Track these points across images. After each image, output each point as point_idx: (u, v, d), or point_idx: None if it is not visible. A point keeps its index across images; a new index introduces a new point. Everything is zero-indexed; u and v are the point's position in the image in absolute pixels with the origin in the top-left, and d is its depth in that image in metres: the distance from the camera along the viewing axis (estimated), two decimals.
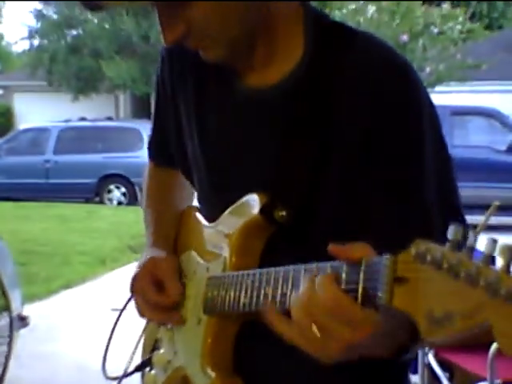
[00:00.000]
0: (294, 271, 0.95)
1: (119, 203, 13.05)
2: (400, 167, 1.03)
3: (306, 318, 0.86)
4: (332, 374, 1.11)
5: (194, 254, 1.26)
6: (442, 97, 11.19)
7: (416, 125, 1.04)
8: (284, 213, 1.07)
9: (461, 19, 16.43)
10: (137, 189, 12.64)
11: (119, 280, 6.55)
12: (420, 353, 3.16)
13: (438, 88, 13.55)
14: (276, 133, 1.11)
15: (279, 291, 0.97)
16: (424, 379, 3.19)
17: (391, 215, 1.01)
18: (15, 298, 3.55)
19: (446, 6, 16.90)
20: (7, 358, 3.29)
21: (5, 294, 3.40)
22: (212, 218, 1.22)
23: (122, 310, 1.34)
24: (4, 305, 3.41)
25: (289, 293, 0.95)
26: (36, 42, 21.85)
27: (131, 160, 12.78)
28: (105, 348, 1.36)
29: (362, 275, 0.83)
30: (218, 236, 1.18)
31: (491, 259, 0.68)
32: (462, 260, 0.70)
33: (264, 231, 1.10)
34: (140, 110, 21.37)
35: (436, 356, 3.18)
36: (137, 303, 1.26)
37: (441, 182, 1.04)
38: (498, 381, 2.90)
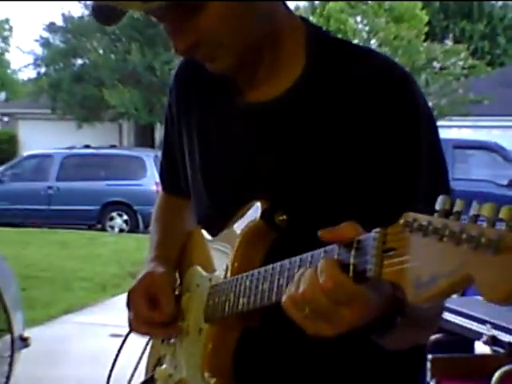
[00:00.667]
0: (290, 264, 0.97)
1: (121, 230, 13.02)
2: (398, 170, 1.07)
3: (311, 302, 0.88)
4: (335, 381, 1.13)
5: (197, 268, 1.27)
6: (444, 131, 11.24)
7: (414, 135, 1.07)
8: (285, 217, 1.09)
9: (463, 55, 16.60)
10: (139, 216, 12.64)
11: (119, 306, 6.51)
12: None
13: (439, 122, 13.61)
14: (276, 143, 1.14)
15: (275, 284, 0.98)
16: None
17: (388, 209, 1.03)
18: (17, 318, 3.56)
19: (448, 41, 17.09)
20: (8, 378, 3.28)
21: (7, 315, 3.40)
22: (212, 234, 1.25)
23: (126, 336, 1.34)
24: (6, 325, 3.41)
25: (285, 284, 0.96)
26: (42, 70, 22.04)
27: (134, 188, 12.81)
28: (108, 372, 1.36)
29: (353, 252, 0.85)
30: (222, 247, 1.20)
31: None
32: (448, 223, 0.72)
33: (265, 236, 1.11)
34: (143, 138, 21.49)
35: None
36: (129, 317, 1.28)
37: (434, 182, 1.08)
38: None
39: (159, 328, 1.26)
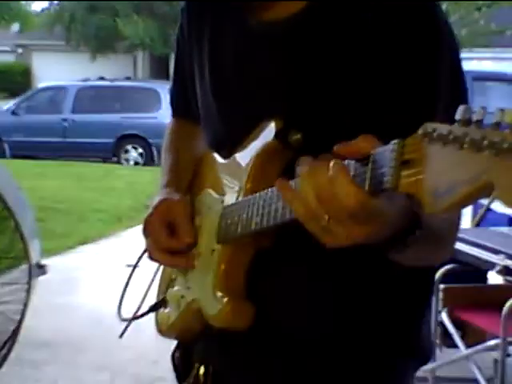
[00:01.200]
0: None
1: (136, 163, 13.09)
2: (417, 81, 1.04)
3: (312, 191, 0.86)
4: (350, 311, 1.12)
5: (209, 191, 1.26)
6: (464, 63, 11.00)
7: (434, 46, 1.06)
8: (299, 136, 1.07)
9: None
10: (154, 149, 12.66)
11: (135, 238, 6.56)
12: (433, 311, 3.18)
13: None
14: (291, 60, 1.12)
15: None
16: (436, 337, 3.21)
17: (407, 121, 1.00)
18: (34, 247, 3.61)
19: None
20: (25, 305, 3.35)
21: (24, 243, 3.45)
22: (223, 157, 1.23)
23: (136, 263, 1.34)
24: (23, 253, 3.46)
25: None
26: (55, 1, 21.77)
27: (149, 120, 12.77)
28: (120, 298, 1.37)
29: (369, 165, 0.83)
30: (234, 169, 1.18)
31: None
32: (468, 131, 0.70)
33: (279, 156, 1.09)
34: (158, 70, 21.31)
35: (449, 314, 3.21)
36: (148, 245, 1.26)
37: (453, 95, 1.06)
38: (511, 338, 2.92)
39: (179, 257, 1.24)
